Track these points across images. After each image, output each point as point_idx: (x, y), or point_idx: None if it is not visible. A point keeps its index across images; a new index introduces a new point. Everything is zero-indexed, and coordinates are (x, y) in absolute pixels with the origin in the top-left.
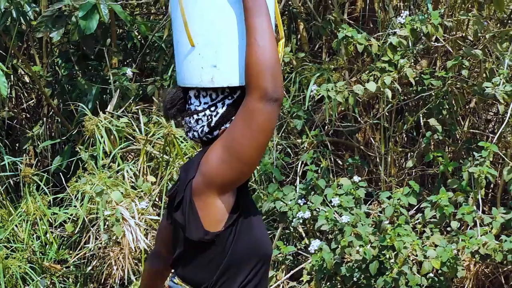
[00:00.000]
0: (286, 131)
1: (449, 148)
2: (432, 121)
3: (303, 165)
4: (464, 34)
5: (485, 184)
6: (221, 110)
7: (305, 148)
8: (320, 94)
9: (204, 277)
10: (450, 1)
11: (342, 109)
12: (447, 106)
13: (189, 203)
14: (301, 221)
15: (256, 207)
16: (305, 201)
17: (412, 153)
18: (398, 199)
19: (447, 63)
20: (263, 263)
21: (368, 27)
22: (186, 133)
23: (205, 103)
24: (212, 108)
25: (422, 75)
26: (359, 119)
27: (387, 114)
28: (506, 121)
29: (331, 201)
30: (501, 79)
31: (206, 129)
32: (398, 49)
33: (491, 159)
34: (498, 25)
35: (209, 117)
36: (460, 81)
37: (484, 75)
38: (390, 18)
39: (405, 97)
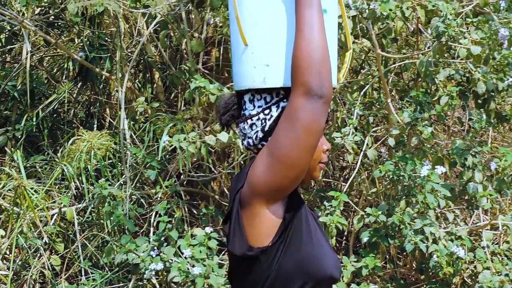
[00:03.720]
0: (140, 181)
1: (303, 196)
2: None
3: (157, 216)
4: None
5: (335, 233)
6: (275, 113)
7: (159, 198)
8: (173, 144)
9: None
10: None
11: (195, 159)
12: None
13: (236, 214)
14: (153, 273)
15: (312, 220)
16: (158, 253)
17: None
18: None
19: None
20: (313, 284)
21: (223, 76)
22: (242, 142)
23: (259, 107)
24: (266, 111)
25: None
26: (213, 169)
27: (242, 163)
28: (356, 169)
29: (183, 252)
30: (350, 129)
31: (260, 134)
32: None
33: (341, 208)
34: (351, 74)
35: (263, 121)
36: None
37: (337, 124)
38: None
39: None
